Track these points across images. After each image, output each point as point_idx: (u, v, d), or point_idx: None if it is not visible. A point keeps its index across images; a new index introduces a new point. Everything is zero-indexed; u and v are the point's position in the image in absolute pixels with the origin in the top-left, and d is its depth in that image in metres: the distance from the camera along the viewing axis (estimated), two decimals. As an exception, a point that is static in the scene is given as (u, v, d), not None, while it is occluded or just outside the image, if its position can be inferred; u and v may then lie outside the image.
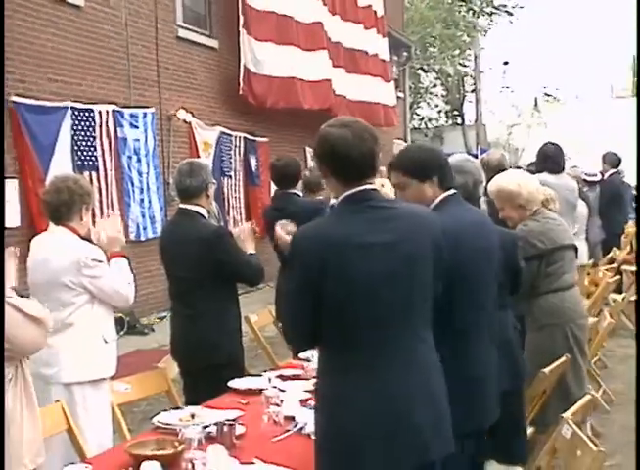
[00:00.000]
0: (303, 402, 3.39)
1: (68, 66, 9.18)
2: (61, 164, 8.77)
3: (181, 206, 4.29)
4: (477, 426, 2.91)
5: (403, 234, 2.48)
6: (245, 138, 12.89)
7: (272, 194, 10.78)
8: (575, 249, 4.49)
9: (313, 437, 2.96)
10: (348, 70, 16.24)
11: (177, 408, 3.74)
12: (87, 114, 9.30)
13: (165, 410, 3.48)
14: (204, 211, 4.26)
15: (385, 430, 2.39)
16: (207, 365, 4.12)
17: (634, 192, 10.46)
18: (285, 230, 2.85)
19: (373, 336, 2.42)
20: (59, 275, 3.76)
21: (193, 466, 2.61)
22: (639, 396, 2.90)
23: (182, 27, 11.60)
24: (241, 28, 12.24)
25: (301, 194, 5.12)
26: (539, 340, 4.17)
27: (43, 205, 3.91)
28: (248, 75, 12.30)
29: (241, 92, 12.23)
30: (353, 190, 2.51)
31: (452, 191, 3.04)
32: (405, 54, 22.36)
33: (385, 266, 2.42)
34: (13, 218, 8.30)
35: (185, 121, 11.35)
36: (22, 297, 2.87)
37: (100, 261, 3.82)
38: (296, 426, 3.10)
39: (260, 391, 3.50)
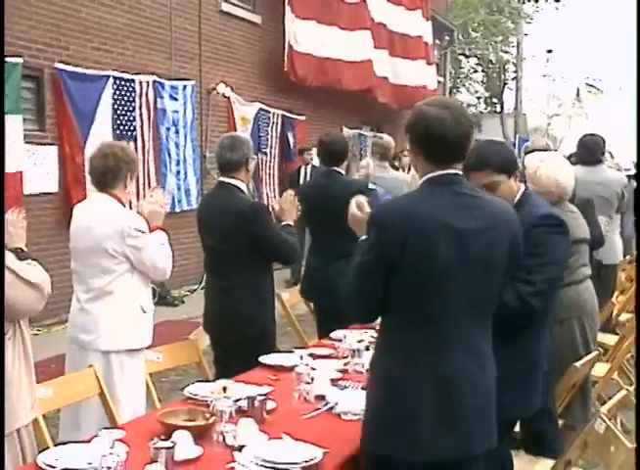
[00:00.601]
0: (334, 382, 3.39)
1: (112, 35, 9.21)
2: (101, 132, 8.82)
3: (221, 179, 4.29)
4: (521, 414, 2.92)
5: (486, 224, 2.47)
6: (283, 115, 12.87)
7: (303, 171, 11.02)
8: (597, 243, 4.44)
9: (343, 417, 2.99)
10: (391, 51, 16.14)
11: (207, 381, 3.78)
12: (128, 84, 9.34)
13: (199, 381, 3.50)
14: (242, 186, 4.25)
15: (436, 413, 2.42)
16: (241, 338, 4.12)
17: None
18: (359, 206, 2.79)
19: (441, 316, 2.44)
20: (101, 242, 3.76)
21: (224, 438, 2.62)
22: (639, 396, 2.86)
23: (226, 1, 11.57)
24: (286, 5, 12.20)
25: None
26: (560, 334, 4.12)
27: (90, 171, 3.90)
28: (291, 53, 12.28)
29: (285, 69, 12.23)
30: (441, 172, 2.49)
31: (523, 185, 3.07)
32: (447, 38, 22.13)
33: (465, 252, 2.42)
34: (51, 184, 8.39)
35: (224, 96, 11.35)
36: (25, 259, 2.89)
37: (143, 232, 3.82)
38: (326, 405, 3.09)
39: (291, 368, 3.50)
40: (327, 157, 4.98)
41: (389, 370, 2.49)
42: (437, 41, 20.89)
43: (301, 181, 10.42)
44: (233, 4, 11.80)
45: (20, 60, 7.74)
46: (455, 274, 2.41)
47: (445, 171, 2.49)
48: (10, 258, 2.78)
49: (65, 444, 2.65)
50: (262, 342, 4.10)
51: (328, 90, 13.64)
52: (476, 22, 26.29)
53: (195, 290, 9.95)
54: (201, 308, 4.56)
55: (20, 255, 2.92)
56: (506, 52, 28.96)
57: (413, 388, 2.42)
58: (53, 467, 2.36)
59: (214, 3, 11.30)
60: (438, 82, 20.14)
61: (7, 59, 7.60)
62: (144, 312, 3.92)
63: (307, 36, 12.69)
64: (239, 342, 4.11)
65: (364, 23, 14.47)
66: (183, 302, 9.57)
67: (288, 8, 12.21)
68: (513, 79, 29.67)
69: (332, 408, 3.07)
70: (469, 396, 2.45)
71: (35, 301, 2.86)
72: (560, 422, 3.91)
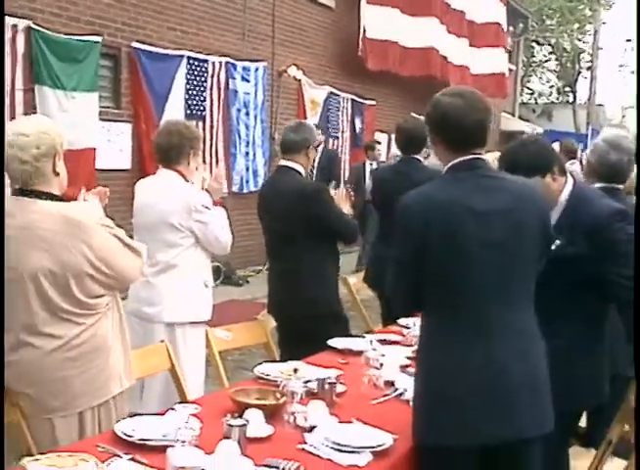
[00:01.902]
0: (403, 368, 3.37)
1: (188, 16, 9.31)
2: (174, 111, 8.95)
3: (281, 162, 4.30)
4: (585, 405, 2.87)
5: (513, 204, 2.48)
6: (352, 100, 12.83)
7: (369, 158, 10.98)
8: None
9: (412, 403, 2.98)
10: (462, 37, 15.93)
11: (274, 361, 3.81)
12: (201, 64, 9.43)
13: (266, 361, 3.53)
14: (301, 169, 4.25)
15: (481, 396, 2.41)
16: (306, 320, 4.14)
17: None
18: None
19: (472, 300, 2.44)
20: (168, 216, 3.82)
21: (294, 419, 2.64)
22: (638, 396, 2.76)
23: (300, -16, 11.58)
24: (361, -10, 12.19)
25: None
26: None
27: (154, 147, 3.97)
28: (364, 38, 12.25)
29: (360, 54, 12.21)
30: (462, 158, 2.53)
31: (571, 178, 2.99)
32: (521, 25, 21.70)
33: (493, 233, 2.43)
34: (124, 161, 8.55)
35: (295, 78, 11.37)
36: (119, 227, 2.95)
37: (207, 207, 3.88)
38: (395, 391, 3.09)
39: (360, 352, 3.51)
40: (406, 144, 4.90)
41: (431, 358, 2.52)
42: (511, 28, 20.49)
43: (367, 179, 10.08)
44: (307, -13, 11.80)
45: (99, 38, 7.90)
46: (481, 257, 2.42)
47: (466, 157, 2.52)
48: (113, 225, 2.86)
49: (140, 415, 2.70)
50: (331, 323, 4.12)
51: (398, 75, 13.54)
52: (552, 8, 25.67)
53: (260, 270, 10.04)
54: (265, 289, 4.60)
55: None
56: (581, 40, 28.23)
57: (455, 373, 2.44)
58: (130, 436, 2.42)
59: (289, -15, 11.32)
60: (510, 70, 19.81)
61: (87, 37, 7.77)
62: (206, 287, 3.98)
63: (379, 22, 12.64)
64: (304, 324, 4.12)
65: (432, 9, 14.31)
66: (248, 282, 9.67)
67: (363, -7, 12.18)
68: (588, 69, 28.88)
69: (401, 395, 3.06)
70: (513, 377, 2.44)
71: (137, 268, 2.94)
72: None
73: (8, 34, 6.92)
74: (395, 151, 10.12)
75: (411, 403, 2.94)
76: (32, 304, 2.69)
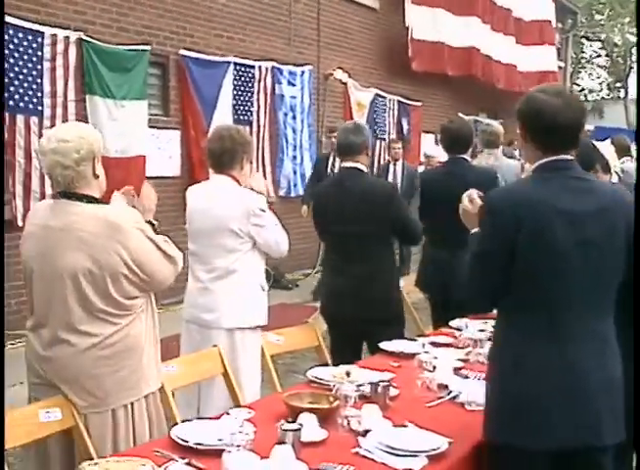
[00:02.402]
0: (456, 371, 3.35)
1: (234, 22, 9.39)
2: (222, 117, 9.01)
3: (344, 164, 4.28)
4: None
5: (601, 207, 2.43)
6: (399, 101, 12.79)
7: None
8: None
9: (467, 407, 2.95)
10: (509, 35, 15.77)
11: (325, 364, 3.81)
12: (248, 69, 9.49)
13: (318, 365, 3.53)
14: (366, 170, 4.26)
15: (559, 399, 2.38)
16: (380, 322, 4.11)
17: None
18: (470, 199, 2.76)
19: (558, 301, 2.41)
20: (227, 222, 3.82)
21: (348, 423, 2.63)
22: (638, 395, 2.65)
23: (344, -13, 11.58)
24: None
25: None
26: None
27: (207, 153, 3.98)
28: (410, 39, 12.23)
29: (410, 55, 12.22)
30: (552, 158, 2.48)
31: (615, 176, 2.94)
32: (570, 21, 21.35)
33: (580, 235, 2.39)
34: (173, 168, 8.65)
35: (341, 81, 11.37)
36: (157, 234, 3.01)
37: (264, 211, 3.90)
38: (449, 394, 3.06)
39: (412, 355, 3.49)
40: (453, 144, 4.85)
41: (508, 358, 2.47)
42: (560, 24, 20.18)
43: (390, 177, 9.71)
44: (351, -11, 11.81)
45: (148, 47, 8.01)
46: (570, 258, 2.38)
47: (557, 157, 2.47)
48: (150, 230, 2.92)
49: (190, 420, 2.73)
50: (396, 325, 4.13)
51: (444, 76, 13.46)
52: (601, 2, 25.20)
53: (309, 274, 10.06)
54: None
55: (154, 228, 3.03)
56: (633, 34, 27.63)
57: (533, 375, 2.40)
58: (186, 441, 2.44)
59: (333, -12, 11.33)
60: (559, 67, 19.51)
61: (136, 46, 7.88)
62: (262, 290, 4.00)
63: (425, 22, 12.61)
64: (374, 326, 4.07)
65: (475, 8, 14.19)
66: (297, 285, 9.69)
67: (408, -7, 12.16)
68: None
69: (455, 398, 3.04)
70: (592, 382, 2.40)
71: (170, 273, 2.99)
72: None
73: (61, 47, 7.06)
74: (428, 151, 9.91)
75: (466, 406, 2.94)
76: (70, 301, 2.77)
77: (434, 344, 3.74)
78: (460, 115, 13.99)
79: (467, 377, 3.31)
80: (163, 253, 2.93)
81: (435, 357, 3.38)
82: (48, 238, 2.80)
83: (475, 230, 2.64)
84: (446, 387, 3.13)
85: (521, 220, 2.37)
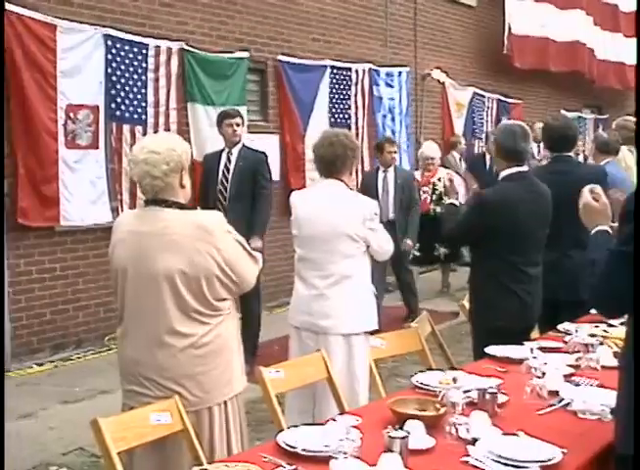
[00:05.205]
0: (567, 377, 3.22)
1: (330, 25, 9.42)
2: (319, 121, 9.06)
3: (519, 169, 4.14)
4: None
5: None
6: (498, 99, 12.54)
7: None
8: None
9: (580, 415, 2.84)
10: (615, 31, 15.25)
11: (429, 369, 3.74)
12: (344, 72, 9.51)
13: (422, 371, 3.47)
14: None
15: None
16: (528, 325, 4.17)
17: None
18: (594, 195, 2.63)
19: None
20: (344, 227, 3.80)
21: (456, 430, 2.57)
22: (638, 395, 2.40)
23: (441, -15, 11.45)
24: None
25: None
26: None
27: (317, 158, 3.96)
28: (510, 35, 11.99)
29: (505, 52, 11.96)
30: None
31: None
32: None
33: None
34: (273, 172, 8.71)
35: (439, 81, 11.24)
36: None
37: (377, 215, 3.89)
38: (561, 401, 2.95)
39: (520, 360, 3.38)
40: (558, 141, 4.69)
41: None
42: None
43: (379, 186, 9.42)
44: (448, -13, 11.66)
45: (246, 54, 8.13)
46: None
47: None
48: (236, 233, 2.99)
49: (296, 426, 2.72)
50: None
51: (545, 72, 13.12)
52: None
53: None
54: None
55: None
56: None
57: None
58: (292, 447, 2.44)
59: (430, -13, 11.22)
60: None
61: (235, 54, 8.02)
62: (374, 295, 3.98)
63: (525, 17, 12.31)
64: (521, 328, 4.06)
65: (580, 1, 13.75)
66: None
67: (507, -11, 11.92)
68: None
69: (567, 405, 2.92)
70: None
71: (255, 274, 3.06)
72: None
73: (163, 57, 7.26)
74: (426, 152, 9.39)
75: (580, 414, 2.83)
76: (167, 303, 2.84)
77: (542, 349, 3.61)
78: (562, 111, 13.63)
79: (578, 384, 3.18)
80: (249, 254, 3.01)
81: (545, 363, 3.26)
82: (140, 243, 2.89)
83: (600, 228, 2.49)
84: (557, 394, 3.01)
85: None
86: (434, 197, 8.54)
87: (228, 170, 6.13)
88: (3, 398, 2.75)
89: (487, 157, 9.14)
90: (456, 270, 9.45)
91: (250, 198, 5.94)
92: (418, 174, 8.86)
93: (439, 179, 8.51)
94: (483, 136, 12.15)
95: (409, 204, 7.53)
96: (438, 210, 8.49)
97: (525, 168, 4.18)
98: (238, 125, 6.18)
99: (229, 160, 6.18)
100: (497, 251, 4.06)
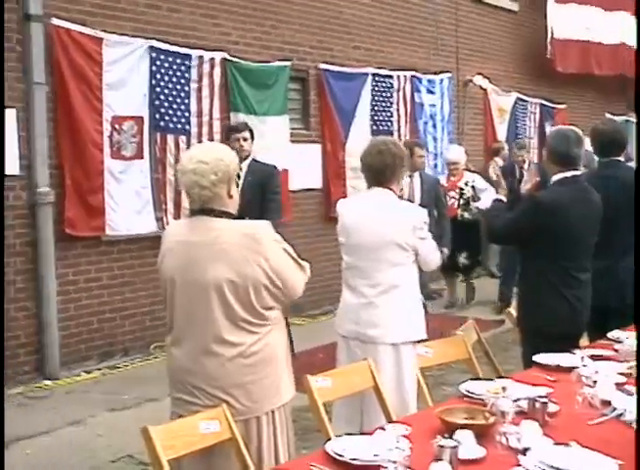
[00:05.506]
0: (619, 386, 3.15)
1: (372, 34, 9.43)
2: (360, 129, 9.07)
3: (571, 173, 4.09)
4: None
5: None
6: (541, 104, 12.41)
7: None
8: None
9: (634, 426, 2.77)
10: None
11: (477, 378, 3.70)
12: (386, 79, 9.51)
13: (471, 379, 3.43)
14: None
15: None
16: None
17: None
18: None
19: None
20: (394, 236, 3.78)
21: (507, 440, 2.53)
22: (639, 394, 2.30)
23: (482, -10, 11.39)
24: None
25: None
26: None
27: (365, 167, 3.93)
28: (552, 40, 11.87)
29: (548, 56, 11.86)
30: None
31: None
32: None
33: None
34: (315, 181, 8.76)
35: (481, 87, 11.17)
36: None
37: (427, 223, 3.87)
38: (614, 411, 2.88)
39: (570, 369, 3.32)
40: (607, 146, 4.62)
41: None
42: None
43: (405, 191, 9.20)
44: (490, -8, 11.60)
45: (288, 63, 8.18)
46: None
47: None
48: (284, 242, 2.98)
49: (348, 435, 2.71)
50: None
51: (589, 76, 12.95)
52: None
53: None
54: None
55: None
56: None
57: None
58: (341, 456, 2.42)
59: (471, -7, 11.17)
60: None
61: (276, 63, 8.07)
62: (422, 304, 3.96)
63: (568, 20, 12.17)
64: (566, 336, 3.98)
65: (622, 1, 13.54)
66: (441, 295, 9.55)
67: (550, -8, 11.80)
68: None
69: (620, 415, 2.86)
70: None
71: (303, 283, 3.04)
72: None
73: (206, 68, 7.34)
74: (451, 156, 9.18)
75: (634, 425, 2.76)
76: (216, 312, 2.85)
77: (592, 357, 3.54)
78: (608, 115, 13.42)
79: (631, 393, 3.11)
80: (297, 263, 3.00)
81: (596, 372, 3.20)
82: (189, 252, 2.90)
83: None
84: (609, 403, 2.95)
85: None
86: (462, 201, 8.44)
87: (237, 185, 6.05)
88: (3, 400, 2.77)
89: (518, 166, 8.99)
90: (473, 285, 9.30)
91: (258, 211, 5.75)
92: (443, 179, 8.80)
93: (466, 183, 8.42)
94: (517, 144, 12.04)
95: (437, 209, 7.37)
96: (466, 215, 8.41)
97: (577, 173, 4.12)
98: (245, 140, 5.84)
99: (237, 175, 6.09)
100: (548, 254, 4.02)
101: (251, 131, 5.96)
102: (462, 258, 8.43)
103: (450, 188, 8.48)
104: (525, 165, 8.86)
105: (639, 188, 3.94)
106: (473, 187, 8.40)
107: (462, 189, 8.42)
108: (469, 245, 8.46)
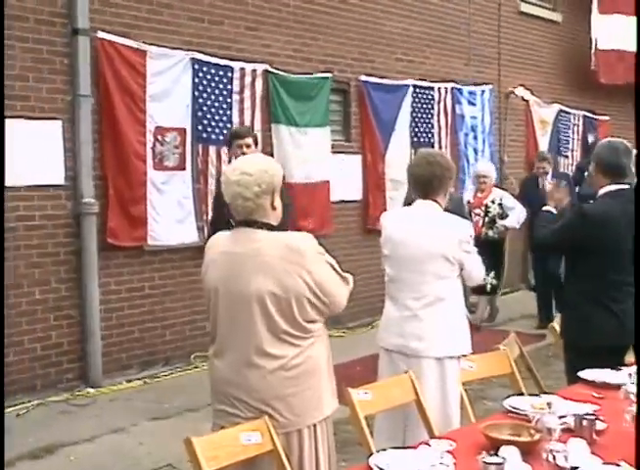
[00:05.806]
0: (669, 404, 3.08)
1: (414, 45, 9.42)
2: (400, 140, 9.05)
3: (619, 186, 4.05)
4: None
5: None
6: (584, 116, 12.26)
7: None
8: None
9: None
10: None
11: (520, 393, 3.65)
12: (427, 91, 9.48)
13: (512, 395, 3.39)
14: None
15: None
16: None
17: None
18: None
19: None
20: (440, 249, 3.75)
21: (554, 458, 2.49)
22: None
23: (525, 1, 11.29)
24: (594, 3, 11.68)
25: None
26: None
27: (413, 179, 3.92)
28: (597, 51, 11.74)
29: (593, 67, 11.72)
30: None
31: None
32: None
33: None
34: (356, 192, 8.75)
35: (523, 99, 11.06)
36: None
37: (472, 237, 3.84)
38: (663, 430, 2.82)
39: (617, 386, 3.26)
40: None
41: None
42: None
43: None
44: (532, 4, 11.50)
45: (329, 75, 8.20)
46: None
47: None
48: (327, 255, 2.97)
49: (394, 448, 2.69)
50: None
51: (633, 87, 12.74)
52: None
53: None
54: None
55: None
56: None
57: None
58: (384, 471, 2.41)
59: (513, 4, 11.09)
60: None
61: (318, 75, 8.10)
62: (467, 317, 3.92)
63: (613, 31, 12.01)
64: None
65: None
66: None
67: (595, 3, 11.64)
68: None
69: (670, 434, 2.79)
70: None
71: (346, 296, 3.02)
72: None
73: (248, 79, 7.39)
74: (481, 170, 8.88)
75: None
76: (258, 324, 2.84)
77: (640, 373, 3.47)
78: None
79: (681, 412, 3.03)
80: (340, 276, 2.98)
81: (644, 389, 3.13)
82: (233, 263, 2.90)
83: None
84: (659, 422, 2.89)
85: None
86: (487, 219, 8.30)
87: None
88: (3, 400, 2.78)
89: (540, 177, 8.85)
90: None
91: None
92: (470, 195, 8.69)
93: (493, 201, 8.31)
94: (569, 154, 11.92)
95: None
96: (490, 233, 8.28)
97: (626, 186, 4.06)
98: (248, 147, 5.39)
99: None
100: (596, 268, 3.98)
101: (254, 137, 5.61)
102: (489, 278, 8.20)
103: (476, 205, 8.36)
104: (548, 177, 8.75)
105: (639, 196, 3.87)
106: (500, 205, 8.32)
107: (488, 207, 8.32)
108: (494, 264, 8.22)
